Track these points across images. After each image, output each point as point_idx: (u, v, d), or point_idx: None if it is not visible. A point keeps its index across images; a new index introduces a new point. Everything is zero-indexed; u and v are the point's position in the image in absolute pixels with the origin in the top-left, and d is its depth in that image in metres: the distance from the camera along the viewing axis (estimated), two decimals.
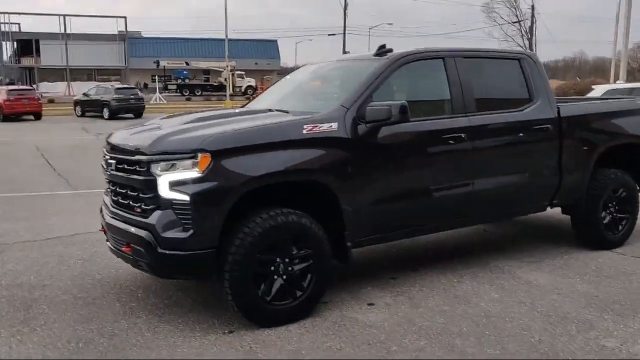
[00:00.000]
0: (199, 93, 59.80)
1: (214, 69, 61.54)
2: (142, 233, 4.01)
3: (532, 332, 4.07)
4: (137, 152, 4.11)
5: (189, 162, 3.90)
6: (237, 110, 5.28)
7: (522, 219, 6.96)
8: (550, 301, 4.64)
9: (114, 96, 29.30)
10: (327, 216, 4.42)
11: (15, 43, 64.58)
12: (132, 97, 29.97)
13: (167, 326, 4.22)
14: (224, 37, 45.58)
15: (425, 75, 5.12)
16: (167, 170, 3.94)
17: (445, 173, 4.92)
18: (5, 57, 63.22)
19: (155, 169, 3.97)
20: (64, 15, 60.64)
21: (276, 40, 73.23)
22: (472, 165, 5.03)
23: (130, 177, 4.18)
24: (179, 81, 60.61)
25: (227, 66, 51.48)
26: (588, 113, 5.90)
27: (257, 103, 5.71)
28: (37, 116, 28.63)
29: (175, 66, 60.96)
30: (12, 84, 57.81)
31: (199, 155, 3.88)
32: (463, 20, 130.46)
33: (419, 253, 6.06)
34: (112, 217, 4.45)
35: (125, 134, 4.53)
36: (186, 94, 58.46)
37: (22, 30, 65.02)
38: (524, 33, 50.25)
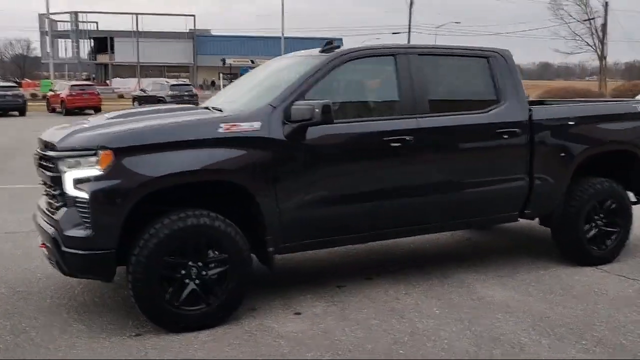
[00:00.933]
0: None
1: None
2: (50, 230, 3.98)
3: (450, 354, 3.74)
4: (49, 148, 4.08)
5: (92, 159, 3.82)
6: (171, 107, 5.19)
7: (512, 229, 6.54)
8: (491, 320, 4.27)
9: (169, 92, 30.24)
10: (249, 220, 4.24)
11: (92, 41, 67.64)
12: (186, 93, 30.83)
13: (80, 325, 4.17)
14: (290, 35, 45.92)
15: (372, 73, 4.85)
16: (72, 167, 3.88)
17: (388, 178, 4.62)
18: (83, 54, 66.36)
19: (62, 165, 3.91)
20: (137, 14, 62.98)
21: (341, 39, 72.92)
22: (422, 171, 4.70)
23: (44, 173, 4.16)
24: None
25: None
26: (567, 117, 5.42)
27: (211, 100, 5.59)
28: (97, 110, 29.82)
29: (241, 64, 61.99)
30: (88, 79, 60.63)
31: (100, 152, 3.79)
32: (537, 18, 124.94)
33: (384, 259, 5.76)
34: (39, 215, 4.45)
35: (53, 130, 4.51)
36: None
37: (100, 28, 67.96)
38: (594, 31, 47.68)
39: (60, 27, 66.68)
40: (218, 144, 4.04)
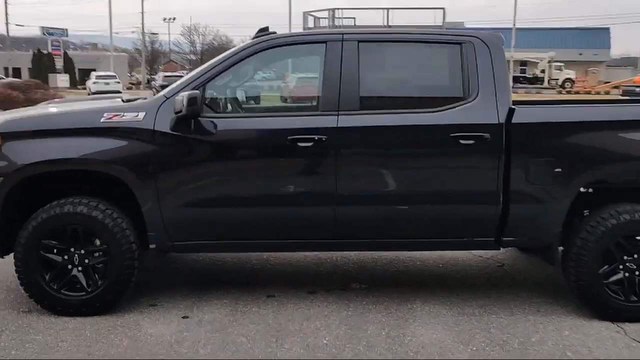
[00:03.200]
0: (512, 85, 57.56)
1: (531, 60, 58.47)
2: None
3: None
4: None
5: None
6: (104, 95, 5.23)
7: None
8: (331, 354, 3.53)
9: None
10: (138, 214, 4.12)
11: None
12: None
13: None
14: (545, 26, 42.87)
15: (297, 63, 4.27)
16: None
17: (293, 183, 4.06)
18: None
19: None
20: (387, 9, 64.57)
21: (608, 28, 65.30)
22: (340, 177, 4.01)
23: None
24: None
25: (545, 57, 48.29)
26: (567, 121, 4.10)
27: None
28: None
29: None
30: None
31: None
32: None
33: (357, 274, 5.09)
34: None
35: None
36: None
37: (356, 24, 71.46)
38: None
39: (324, 24, 71.81)
40: (97, 134, 4.00)
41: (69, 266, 4.06)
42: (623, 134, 4.04)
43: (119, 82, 39.12)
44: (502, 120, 3.98)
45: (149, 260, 4.38)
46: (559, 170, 4.01)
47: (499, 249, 4.42)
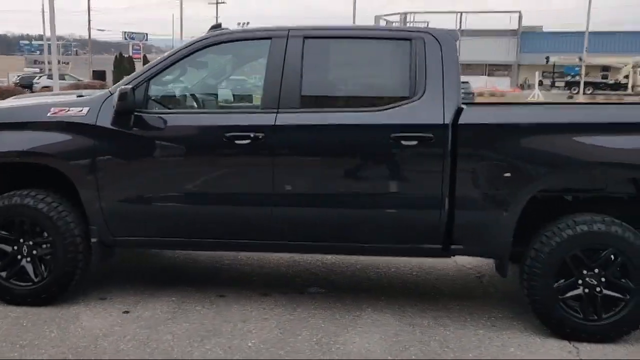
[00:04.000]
0: (590, 91, 54.92)
1: (614, 65, 55.79)
2: None
3: None
4: None
5: None
6: (64, 92, 5.30)
7: None
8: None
9: None
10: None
11: None
12: (462, 90, 29.91)
13: None
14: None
15: (242, 59, 4.20)
16: None
17: (230, 181, 3.99)
18: None
19: None
20: (461, 12, 63.32)
21: None
22: (277, 177, 3.91)
23: None
24: (569, 78, 56.96)
25: (629, 63, 45.87)
26: (520, 122, 3.81)
27: None
28: None
29: (567, 62, 57.36)
30: None
31: None
32: None
33: (320, 277, 4.95)
34: None
35: None
36: (574, 92, 54.46)
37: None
38: None
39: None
40: (43, 128, 4.09)
41: (19, 256, 4.16)
42: (579, 139, 3.71)
43: None
44: (448, 120, 3.76)
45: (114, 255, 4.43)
46: (508, 175, 3.74)
47: (450, 257, 4.17)
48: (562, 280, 3.79)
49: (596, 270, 3.75)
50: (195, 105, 4.22)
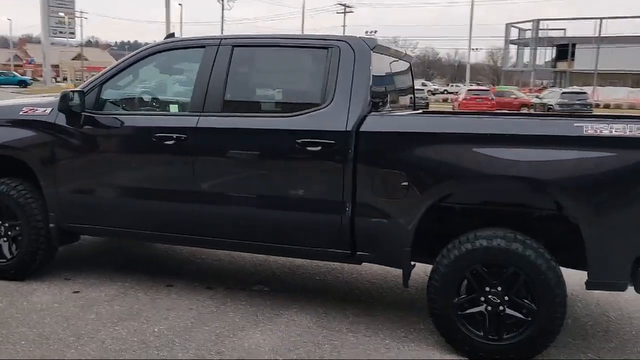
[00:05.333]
0: None
1: None
2: None
3: None
4: None
5: None
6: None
7: None
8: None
9: (559, 100, 28.19)
10: None
11: (554, 48, 67.12)
12: (578, 101, 28.09)
13: None
14: None
15: (179, 66, 4.48)
16: None
17: (159, 178, 4.30)
18: (541, 61, 66.61)
19: None
20: (600, 19, 59.25)
21: None
22: (198, 176, 4.16)
23: None
24: None
25: None
26: (416, 131, 3.73)
27: None
28: None
29: None
30: (544, 87, 60.77)
31: None
32: None
33: (273, 274, 5.11)
34: None
35: None
36: None
37: (566, 35, 66.83)
38: None
39: (528, 35, 68.41)
40: (17, 125, 4.67)
41: None
42: (477, 149, 3.58)
43: None
44: (351, 127, 3.80)
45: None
46: (406, 184, 3.70)
47: (360, 264, 4.17)
48: (463, 296, 3.67)
49: (499, 288, 3.60)
50: (137, 108, 4.58)
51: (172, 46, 4.46)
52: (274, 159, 4.05)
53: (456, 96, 34.99)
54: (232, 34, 4.32)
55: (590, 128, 3.37)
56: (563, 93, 29.49)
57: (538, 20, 64.26)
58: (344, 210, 3.84)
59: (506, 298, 3.59)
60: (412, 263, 3.91)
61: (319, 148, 3.84)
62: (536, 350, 3.59)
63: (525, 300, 3.55)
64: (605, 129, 3.35)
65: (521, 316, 3.56)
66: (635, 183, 3.35)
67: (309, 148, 3.86)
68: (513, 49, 73.13)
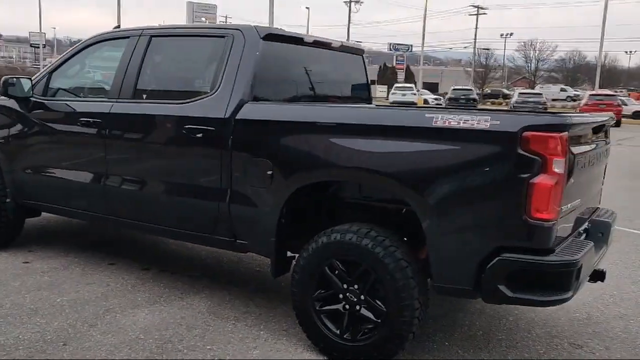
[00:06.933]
0: None
1: None
2: None
3: None
4: None
5: None
6: None
7: None
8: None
9: None
10: None
11: None
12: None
13: None
14: None
15: (108, 56, 4.69)
16: None
17: (81, 159, 4.58)
18: None
19: None
20: None
21: None
22: (107, 157, 4.40)
23: None
24: None
25: None
26: (281, 120, 3.62)
27: None
28: (616, 123, 27.78)
29: None
30: None
31: None
32: None
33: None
34: None
35: None
36: None
37: None
38: None
39: None
40: None
41: None
42: (333, 139, 3.43)
43: (414, 94, 41.01)
44: (229, 115, 3.82)
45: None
46: (271, 173, 3.65)
47: (245, 253, 4.15)
48: (321, 292, 3.55)
49: (356, 286, 3.44)
50: (72, 95, 4.89)
51: (108, 37, 4.74)
52: (168, 145, 4.19)
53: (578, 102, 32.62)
54: (155, 25, 4.49)
55: (439, 119, 3.12)
56: None
57: None
58: (224, 197, 3.86)
59: (362, 297, 3.41)
60: (290, 254, 3.84)
61: (201, 135, 3.90)
62: (387, 355, 3.38)
63: (377, 301, 3.36)
64: (454, 120, 3.08)
65: (373, 317, 3.37)
66: (477, 179, 3.04)
67: (193, 135, 3.93)
68: None
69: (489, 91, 66.77)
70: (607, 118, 3.71)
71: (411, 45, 74.92)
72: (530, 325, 4.22)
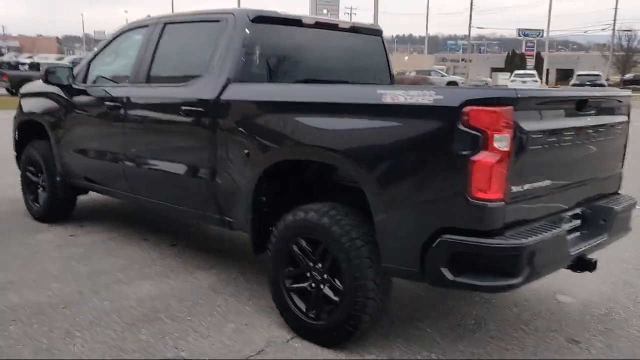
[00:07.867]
0: None
1: None
2: None
3: None
4: None
5: None
6: None
7: None
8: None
9: None
10: None
11: None
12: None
13: None
14: None
15: (134, 44, 4.94)
16: None
17: (108, 140, 4.92)
18: None
19: None
20: None
21: None
22: (126, 139, 4.72)
23: None
24: None
25: None
26: (256, 100, 3.65)
27: None
28: None
29: None
30: None
31: None
32: None
33: None
34: None
35: None
36: None
37: None
38: None
39: None
40: (38, 96, 5.75)
41: (38, 186, 5.97)
42: (297, 118, 3.43)
43: (536, 81, 38.85)
44: (215, 96, 3.95)
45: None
46: (247, 152, 3.74)
47: (232, 230, 4.24)
48: (291, 269, 3.59)
49: (319, 265, 3.45)
50: (104, 82, 5.23)
51: (135, 26, 5.07)
52: (168, 125, 4.43)
53: None
54: (172, 14, 4.74)
55: (388, 95, 3.03)
56: None
57: None
58: (213, 175, 4.01)
59: (325, 277, 3.41)
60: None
61: (193, 116, 4.07)
62: (344, 336, 3.34)
63: (337, 280, 3.34)
64: (402, 96, 2.98)
65: (333, 297, 3.36)
66: (420, 157, 2.91)
67: (187, 117, 4.12)
68: None
69: (632, 76, 61.19)
70: (590, 94, 3.34)
71: (542, 30, 70.84)
72: (534, 317, 3.95)
